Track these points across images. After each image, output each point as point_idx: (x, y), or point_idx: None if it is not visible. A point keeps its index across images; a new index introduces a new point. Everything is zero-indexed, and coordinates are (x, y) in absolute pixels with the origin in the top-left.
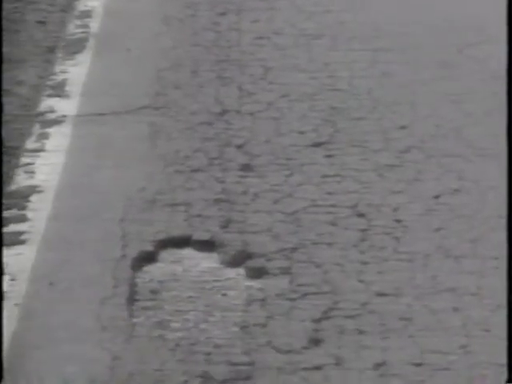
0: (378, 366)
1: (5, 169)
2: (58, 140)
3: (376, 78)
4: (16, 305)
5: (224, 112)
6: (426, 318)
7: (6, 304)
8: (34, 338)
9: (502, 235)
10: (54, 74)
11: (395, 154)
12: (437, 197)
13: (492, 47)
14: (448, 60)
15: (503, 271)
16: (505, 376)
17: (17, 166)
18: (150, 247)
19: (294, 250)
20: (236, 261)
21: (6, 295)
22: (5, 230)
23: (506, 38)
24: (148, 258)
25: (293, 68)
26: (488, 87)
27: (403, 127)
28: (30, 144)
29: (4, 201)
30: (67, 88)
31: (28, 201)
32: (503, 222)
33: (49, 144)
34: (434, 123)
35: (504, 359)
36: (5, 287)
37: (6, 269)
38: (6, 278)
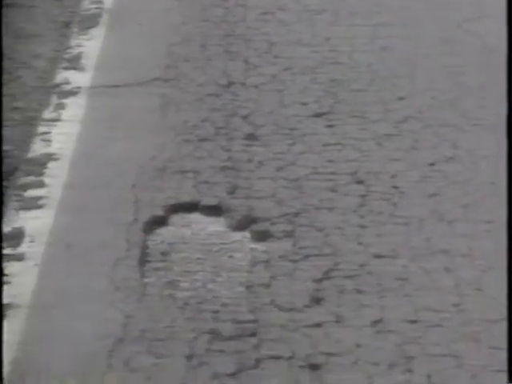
0: (375, 323)
1: (23, 137)
2: (74, 110)
3: (376, 53)
4: (35, 265)
5: (230, 84)
6: (421, 278)
7: (25, 265)
8: (51, 298)
9: (494, 201)
10: (70, 47)
11: (393, 123)
12: (432, 164)
13: (490, 22)
14: (447, 35)
15: (494, 234)
16: (495, 332)
17: (34, 134)
18: (160, 212)
19: (296, 214)
20: (242, 225)
21: (25, 256)
22: (24, 194)
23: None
24: (159, 221)
25: (296, 42)
26: (485, 61)
27: (401, 98)
28: (47, 114)
29: (22, 167)
30: (82, 61)
31: (45, 168)
32: (495, 188)
33: (65, 114)
34: (431, 95)
35: (495, 316)
36: (24, 249)
37: (26, 231)
38: (25, 240)
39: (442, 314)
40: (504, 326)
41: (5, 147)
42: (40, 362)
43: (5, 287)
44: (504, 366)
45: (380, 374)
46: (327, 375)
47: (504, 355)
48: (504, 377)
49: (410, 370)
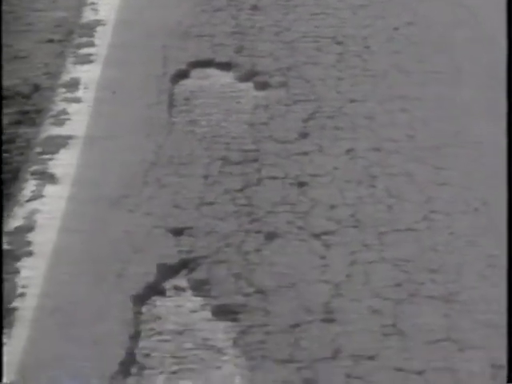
0: (348, 151)
1: (76, 6)
2: None
3: None
4: (88, 106)
5: None
6: (384, 117)
7: (81, 106)
8: (101, 132)
9: (443, 56)
10: None
11: None
12: (396, 29)
13: None
14: None
15: (443, 82)
16: (440, 155)
17: (85, 4)
18: (184, 67)
19: (289, 69)
20: (247, 77)
21: (81, 100)
22: (78, 52)
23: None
24: (182, 74)
25: None
26: None
27: None
28: None
29: (77, 31)
30: None
31: (95, 31)
32: (445, 45)
33: None
34: None
35: (438, 142)
36: (80, 94)
37: (81, 80)
38: (81, 87)
39: (399, 143)
40: (448, 151)
41: (62, 14)
42: (94, 184)
43: (66, 123)
44: (445, 180)
45: (350, 189)
46: (311, 190)
47: (447, 173)
48: (446, 189)
49: (373, 186)
